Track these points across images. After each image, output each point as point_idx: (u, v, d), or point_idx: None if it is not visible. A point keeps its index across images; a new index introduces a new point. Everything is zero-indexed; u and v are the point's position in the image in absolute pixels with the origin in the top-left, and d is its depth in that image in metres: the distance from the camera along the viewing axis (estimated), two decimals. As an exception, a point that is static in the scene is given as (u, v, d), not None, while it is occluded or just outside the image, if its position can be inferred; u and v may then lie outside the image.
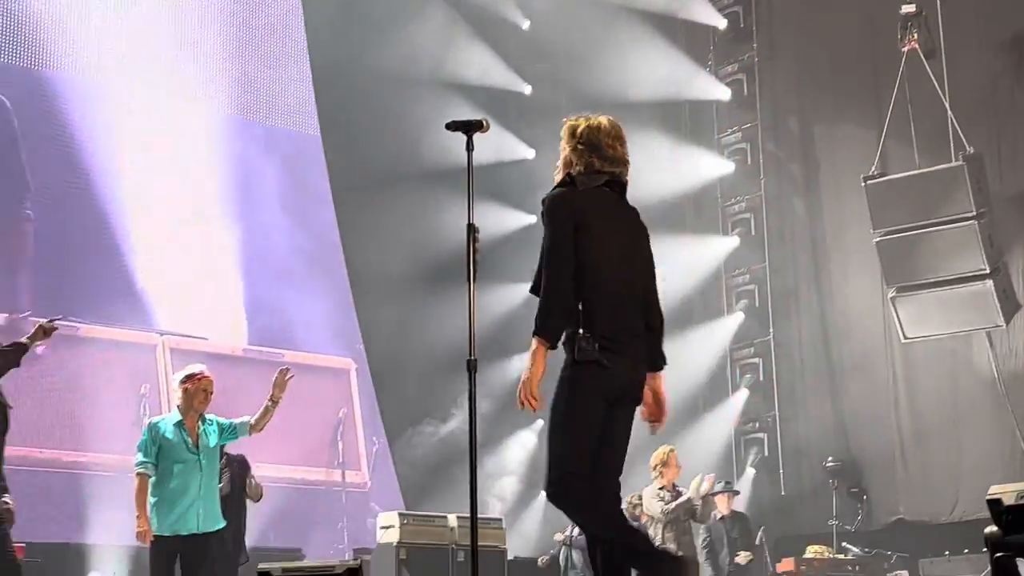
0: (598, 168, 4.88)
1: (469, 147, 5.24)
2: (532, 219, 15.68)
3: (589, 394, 4.70)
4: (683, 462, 10.31)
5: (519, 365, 15.52)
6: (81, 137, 12.74)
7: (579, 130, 4.98)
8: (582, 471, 4.68)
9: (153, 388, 11.81)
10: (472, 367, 5.04)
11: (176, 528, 7.63)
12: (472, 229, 5.10)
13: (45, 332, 7.36)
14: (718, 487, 11.58)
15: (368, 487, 14.45)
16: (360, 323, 14.92)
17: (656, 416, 5.03)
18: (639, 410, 4.99)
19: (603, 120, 4.99)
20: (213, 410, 7.98)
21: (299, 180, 14.74)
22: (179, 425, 7.80)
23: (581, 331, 4.66)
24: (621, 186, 4.97)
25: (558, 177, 4.98)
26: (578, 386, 4.72)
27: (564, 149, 4.99)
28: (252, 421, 8.11)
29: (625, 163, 4.95)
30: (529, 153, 15.77)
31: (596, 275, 4.70)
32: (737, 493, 11.94)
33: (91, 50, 13.20)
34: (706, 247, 14.76)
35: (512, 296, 15.47)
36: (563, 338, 4.75)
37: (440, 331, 14.09)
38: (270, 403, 7.99)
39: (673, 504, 9.90)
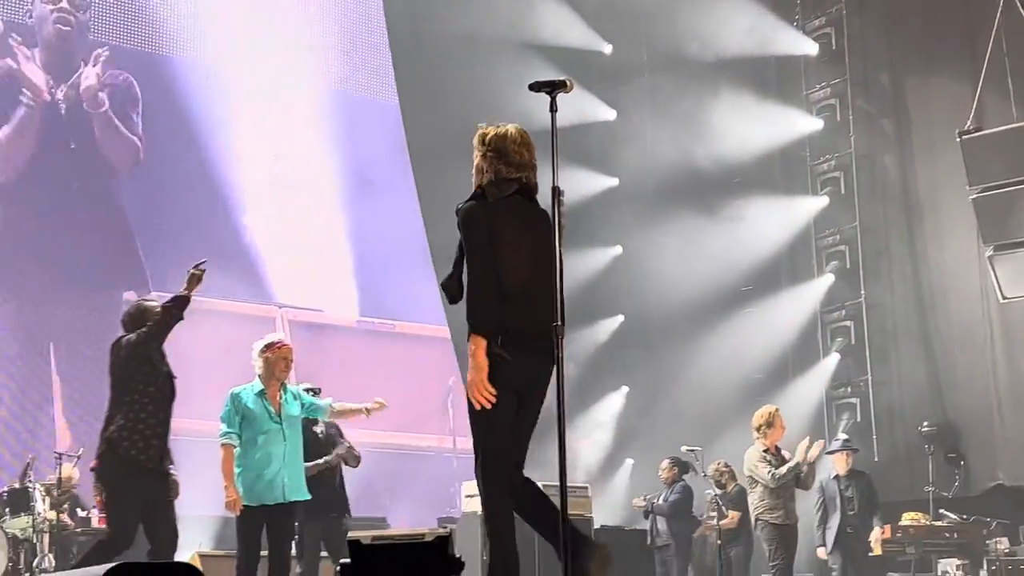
0: (505, 175, 5.35)
1: (553, 108, 5.22)
2: (615, 182, 15.74)
3: (496, 386, 5.18)
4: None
5: (605, 329, 15.65)
6: (198, 117, 13.34)
7: (488, 138, 5.42)
8: (498, 462, 5.27)
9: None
10: (559, 333, 5.08)
11: (262, 498, 7.84)
12: (557, 192, 5.13)
13: (197, 278, 7.43)
14: (835, 445, 11.52)
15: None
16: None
17: None
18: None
19: (511, 128, 5.44)
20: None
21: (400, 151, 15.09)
22: (260, 395, 7.98)
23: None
24: (529, 190, 5.44)
25: (474, 181, 5.43)
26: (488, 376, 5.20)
27: (475, 157, 5.44)
28: (336, 408, 8.35)
29: (532, 167, 5.41)
30: (610, 114, 15.78)
31: (503, 278, 5.23)
32: (856, 451, 11.64)
33: (205, 35, 13.93)
34: (795, 207, 14.67)
35: (595, 260, 15.57)
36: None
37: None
38: (364, 411, 8.43)
39: (784, 469, 9.80)
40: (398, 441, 13.82)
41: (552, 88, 5.24)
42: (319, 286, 13.90)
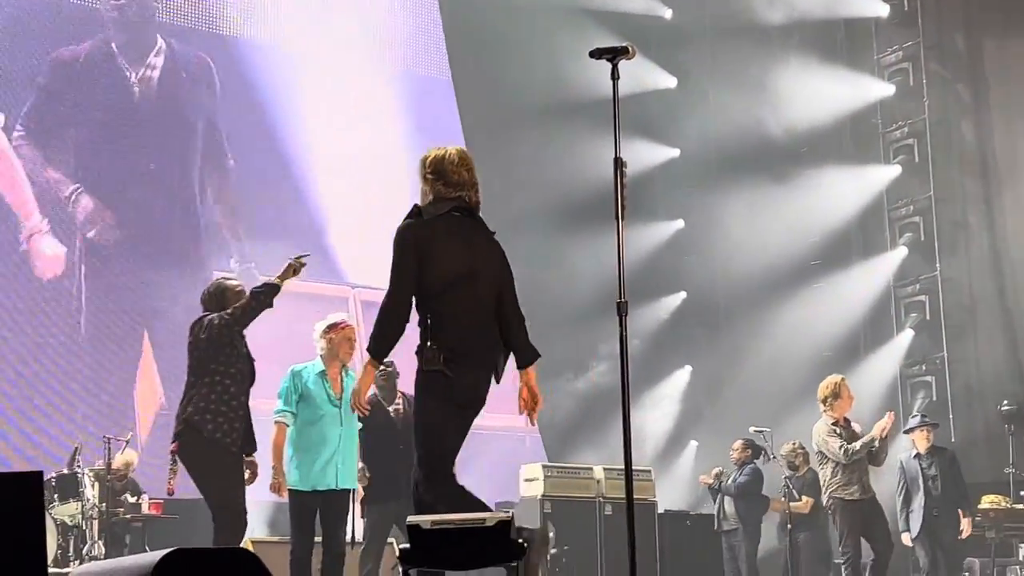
0: (444, 195, 5.59)
1: (614, 76, 5.11)
2: (675, 152, 15.52)
3: (438, 399, 5.40)
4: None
5: (667, 306, 15.47)
6: (268, 99, 13.71)
7: (428, 160, 5.70)
8: (442, 470, 5.45)
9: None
10: (623, 309, 4.95)
11: (314, 483, 7.74)
12: (620, 163, 5.00)
13: (295, 270, 7.37)
14: (913, 421, 11.24)
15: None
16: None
17: (531, 407, 5.71)
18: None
19: (451, 149, 5.73)
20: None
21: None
22: (322, 375, 7.89)
23: (428, 343, 5.42)
24: (470, 208, 5.65)
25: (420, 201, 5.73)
26: (428, 392, 5.45)
27: (420, 179, 5.75)
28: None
29: (471, 186, 5.65)
30: (670, 82, 15.56)
31: (442, 295, 5.45)
32: (936, 426, 11.30)
33: (269, 14, 14.31)
34: (865, 177, 14.38)
35: (657, 234, 15.38)
36: (417, 348, 5.51)
37: (579, 273, 14.05)
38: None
39: (858, 445, 9.55)
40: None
41: (614, 55, 5.15)
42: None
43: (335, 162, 13.83)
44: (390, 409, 8.94)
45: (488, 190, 15.54)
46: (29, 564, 3.60)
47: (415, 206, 5.64)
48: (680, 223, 15.53)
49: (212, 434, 7.04)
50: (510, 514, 4.22)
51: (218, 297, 7.36)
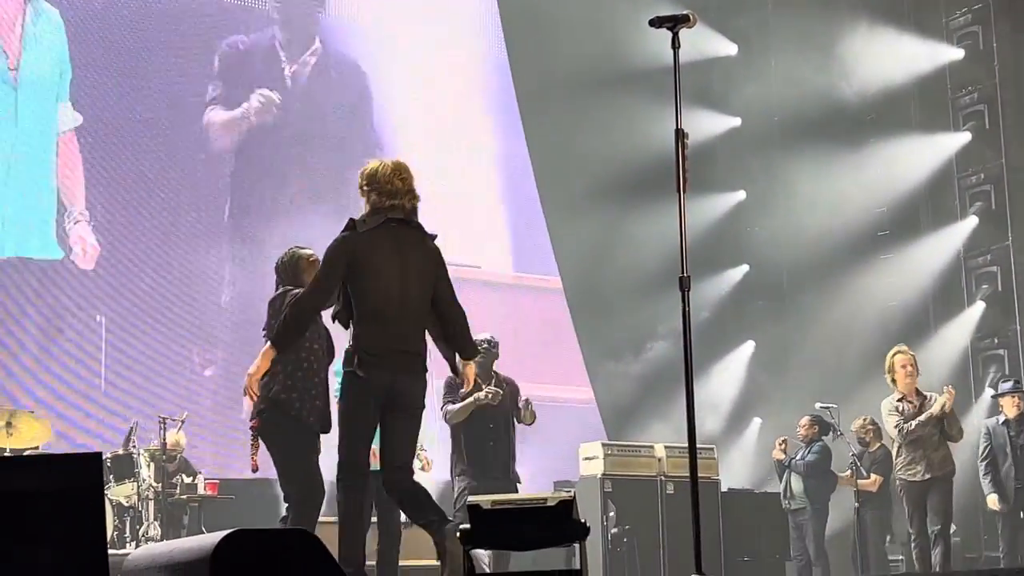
0: (378, 205, 6.09)
1: (675, 44, 5.12)
2: (736, 122, 15.43)
3: (355, 397, 5.99)
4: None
5: (729, 280, 15.41)
6: (362, 79, 14.39)
7: (364, 173, 6.19)
8: (357, 461, 6.03)
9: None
10: (685, 284, 4.97)
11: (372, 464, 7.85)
12: (681, 135, 5.02)
13: None
14: (1005, 386, 11.09)
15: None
16: (552, 242, 14.96)
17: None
18: None
19: (386, 161, 6.24)
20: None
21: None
22: None
23: (348, 345, 6.07)
24: (405, 216, 6.16)
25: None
26: (347, 391, 6.06)
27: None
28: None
29: (406, 194, 6.14)
30: (731, 49, 15.45)
31: (365, 302, 5.98)
32: None
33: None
34: (934, 144, 14.22)
35: (718, 205, 15.31)
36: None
37: (640, 247, 14.02)
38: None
39: (913, 424, 9.52)
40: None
41: (674, 23, 5.15)
42: (476, 243, 14.60)
43: (421, 138, 14.16)
44: (485, 389, 8.92)
45: (547, 164, 15.63)
46: (90, 544, 3.70)
47: (350, 220, 6.14)
48: (742, 194, 15.44)
49: (299, 412, 7.03)
50: (572, 494, 4.25)
51: (292, 267, 7.32)
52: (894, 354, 9.80)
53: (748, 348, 15.27)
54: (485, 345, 8.85)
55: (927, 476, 9.50)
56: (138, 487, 10.32)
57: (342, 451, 6.05)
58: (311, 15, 14.50)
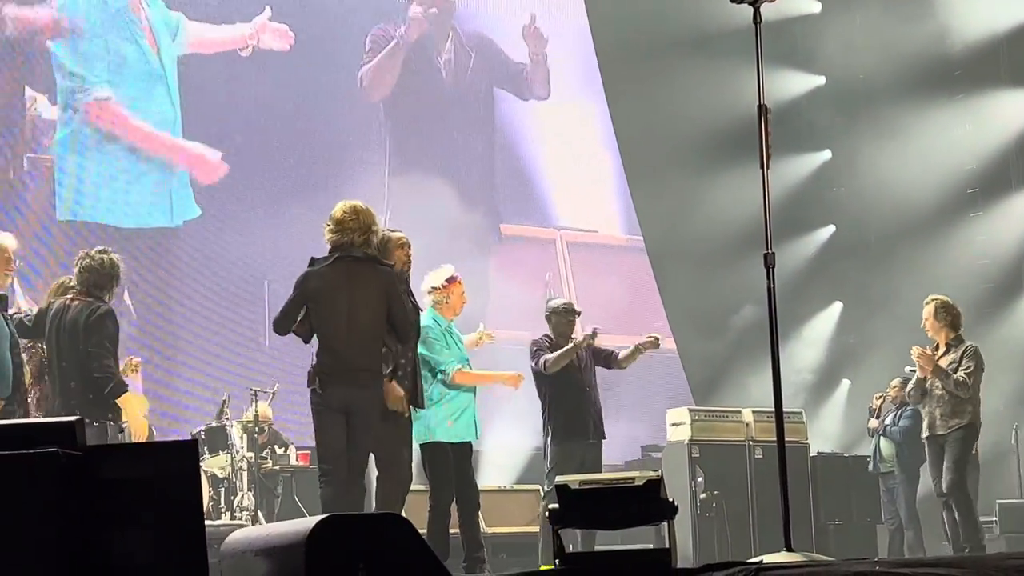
0: (335, 242, 6.98)
1: (756, 19, 5.06)
2: (820, 80, 15.25)
3: (318, 411, 6.96)
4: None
5: (815, 241, 15.25)
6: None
7: (330, 218, 7.05)
8: (331, 468, 6.91)
9: (554, 275, 14.20)
10: (770, 261, 4.95)
11: (460, 435, 7.95)
12: (764, 110, 4.98)
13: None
14: None
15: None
16: (635, 205, 14.92)
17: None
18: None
19: (345, 205, 7.07)
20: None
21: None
22: (449, 329, 8.05)
23: (310, 366, 7.02)
24: (357, 251, 6.97)
25: None
26: (312, 406, 7.01)
27: None
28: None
29: (359, 230, 6.96)
30: (815, 6, 15.24)
31: (320, 329, 6.95)
32: None
33: None
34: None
35: (803, 166, 15.16)
36: None
37: (725, 210, 13.92)
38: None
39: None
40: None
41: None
42: (592, 208, 15.05)
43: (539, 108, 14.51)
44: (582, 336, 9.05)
45: (629, 130, 15.47)
46: (188, 528, 3.80)
47: (312, 258, 7.11)
48: (827, 154, 15.28)
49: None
50: (659, 473, 4.27)
51: (380, 248, 7.42)
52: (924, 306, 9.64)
53: (836, 309, 15.14)
54: (563, 309, 9.03)
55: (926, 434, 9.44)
56: (231, 459, 10.48)
57: (319, 459, 7.12)
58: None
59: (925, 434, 9.44)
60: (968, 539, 9.20)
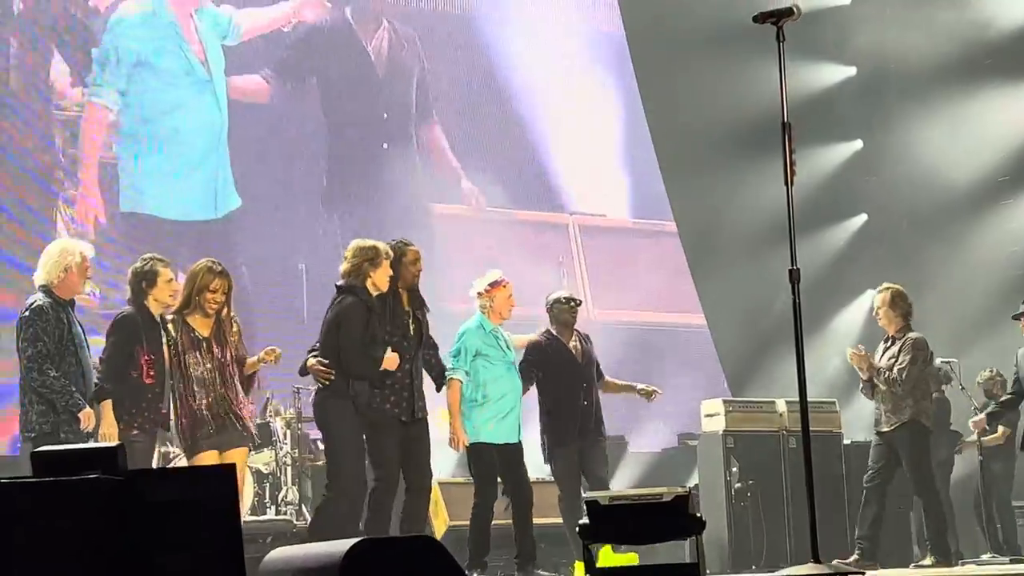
0: None
1: (779, 38, 5.04)
2: (851, 71, 15.15)
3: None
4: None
5: (846, 230, 15.15)
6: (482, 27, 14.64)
7: None
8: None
9: (567, 258, 14.19)
10: (795, 277, 4.96)
11: (504, 437, 8.01)
12: (787, 128, 4.97)
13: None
14: None
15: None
16: (670, 198, 14.89)
17: None
18: None
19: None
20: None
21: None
22: (494, 332, 8.11)
23: None
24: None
25: None
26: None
27: None
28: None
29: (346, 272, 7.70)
30: (844, -2, 15.16)
31: None
32: None
33: None
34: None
35: (834, 155, 15.07)
36: None
37: (759, 200, 13.84)
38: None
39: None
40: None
41: (778, 18, 5.07)
42: (601, 193, 15.01)
43: (550, 93, 14.54)
44: (570, 346, 8.92)
45: (662, 123, 15.31)
46: (226, 552, 3.84)
47: None
48: (858, 143, 15.17)
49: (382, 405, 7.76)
50: (687, 489, 4.28)
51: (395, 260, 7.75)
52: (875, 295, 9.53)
53: (868, 297, 15.02)
54: (564, 299, 8.91)
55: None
56: (276, 455, 10.57)
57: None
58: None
59: (873, 430, 9.33)
60: (932, 539, 9.07)
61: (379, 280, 7.49)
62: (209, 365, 7.45)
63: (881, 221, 15.05)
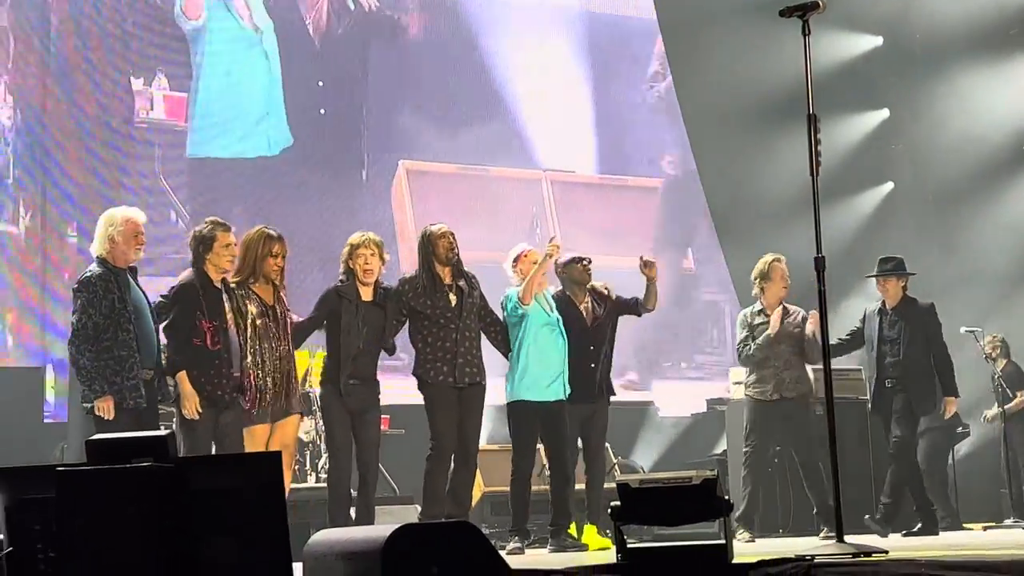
0: None
1: (805, 31, 5.03)
2: (878, 40, 15.05)
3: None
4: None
5: (872, 199, 15.09)
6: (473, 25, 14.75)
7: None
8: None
9: (540, 210, 14.48)
10: (820, 266, 4.99)
11: (547, 395, 8.10)
12: (813, 120, 4.97)
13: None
14: (886, 267, 9.97)
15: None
16: (700, 170, 14.86)
17: None
18: None
19: None
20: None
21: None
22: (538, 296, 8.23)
23: None
24: None
25: None
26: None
27: None
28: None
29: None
30: (870, -31, 15.00)
31: None
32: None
33: None
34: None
35: (861, 125, 14.99)
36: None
37: (787, 170, 13.80)
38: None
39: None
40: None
41: (804, 11, 5.05)
42: (571, 149, 15.24)
43: (527, 51, 14.62)
44: (581, 307, 8.74)
45: (692, 96, 15.18)
46: (273, 535, 3.93)
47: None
48: (885, 112, 15.09)
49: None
50: (715, 472, 4.36)
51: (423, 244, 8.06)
52: (772, 261, 9.24)
53: (895, 263, 14.99)
54: (574, 259, 8.69)
55: (775, 396, 9.14)
56: (315, 424, 10.66)
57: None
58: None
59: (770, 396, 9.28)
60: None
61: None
62: (274, 331, 7.45)
63: (907, 189, 14.98)
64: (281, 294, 7.56)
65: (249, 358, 7.39)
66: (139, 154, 12.57)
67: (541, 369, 8.13)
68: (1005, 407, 10.91)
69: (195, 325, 7.26)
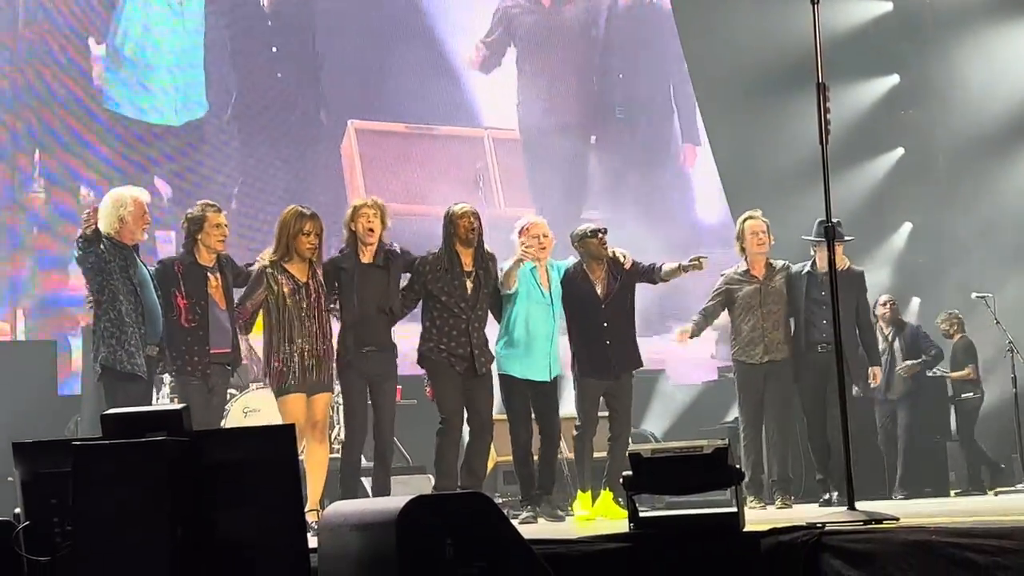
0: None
1: (815, 7, 5.02)
2: (888, 6, 14.98)
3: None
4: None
5: (883, 164, 15.06)
6: None
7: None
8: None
9: (483, 165, 14.33)
10: (831, 234, 4.99)
11: (531, 374, 8.10)
12: (822, 88, 4.94)
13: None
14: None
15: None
16: (709, 137, 14.83)
17: None
18: None
19: None
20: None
21: None
22: (532, 271, 8.17)
23: None
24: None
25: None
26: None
27: None
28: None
29: None
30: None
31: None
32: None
33: None
34: None
35: (871, 90, 14.94)
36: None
37: (797, 137, 13.76)
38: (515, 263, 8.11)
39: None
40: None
41: None
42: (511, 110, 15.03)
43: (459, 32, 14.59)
44: (596, 282, 8.48)
45: (701, 65, 15.16)
46: (288, 508, 3.96)
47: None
48: (895, 78, 15.04)
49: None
50: (726, 441, 4.36)
51: (446, 224, 8.05)
52: (744, 220, 9.05)
53: (906, 230, 15.00)
54: (592, 231, 8.45)
55: (764, 360, 8.92)
56: (331, 396, 10.68)
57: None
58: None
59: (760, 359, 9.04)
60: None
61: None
62: (307, 310, 7.51)
63: (918, 154, 14.95)
64: (317, 271, 7.61)
65: (276, 335, 7.49)
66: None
67: (524, 347, 8.10)
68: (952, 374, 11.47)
69: (170, 302, 7.54)
